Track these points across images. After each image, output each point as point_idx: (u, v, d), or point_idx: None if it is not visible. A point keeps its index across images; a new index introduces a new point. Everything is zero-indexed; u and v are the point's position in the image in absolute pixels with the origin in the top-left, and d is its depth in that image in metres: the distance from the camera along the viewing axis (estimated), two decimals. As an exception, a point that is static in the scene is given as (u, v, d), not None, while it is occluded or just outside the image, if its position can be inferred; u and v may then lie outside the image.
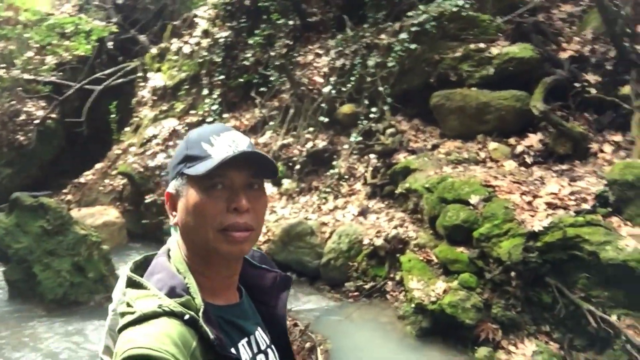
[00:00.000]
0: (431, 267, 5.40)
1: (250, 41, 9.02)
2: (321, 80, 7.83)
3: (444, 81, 6.49)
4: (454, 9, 6.55)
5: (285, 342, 1.37)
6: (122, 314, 1.16)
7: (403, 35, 6.73)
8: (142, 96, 10.50)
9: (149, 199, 8.79)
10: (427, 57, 6.66)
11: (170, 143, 9.34)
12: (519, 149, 5.85)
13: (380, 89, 6.80)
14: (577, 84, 5.76)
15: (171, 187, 1.24)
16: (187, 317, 1.10)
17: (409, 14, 6.98)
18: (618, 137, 5.50)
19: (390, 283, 5.83)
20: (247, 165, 1.17)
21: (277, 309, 1.36)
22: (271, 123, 8.29)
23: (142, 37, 11.76)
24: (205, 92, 9.38)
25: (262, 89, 8.75)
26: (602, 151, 5.46)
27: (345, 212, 6.60)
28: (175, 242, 1.28)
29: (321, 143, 7.46)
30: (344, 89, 7.32)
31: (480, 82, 6.22)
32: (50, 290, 6.31)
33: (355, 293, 5.93)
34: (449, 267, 5.21)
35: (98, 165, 10.39)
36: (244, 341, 1.24)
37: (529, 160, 5.72)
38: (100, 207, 9.25)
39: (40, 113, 10.81)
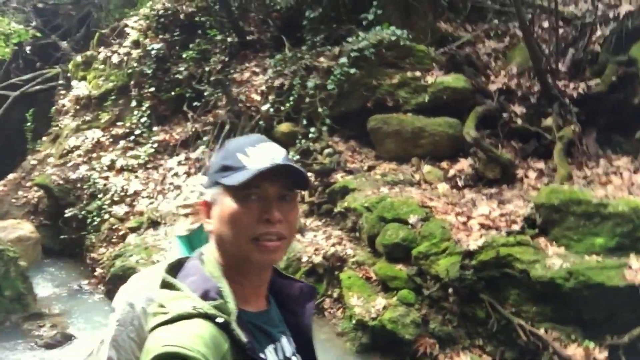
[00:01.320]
0: (370, 284, 5.54)
1: (184, 55, 8.91)
2: (259, 98, 7.87)
3: (381, 106, 6.75)
4: (392, 38, 6.86)
5: (310, 351, 1.40)
6: (154, 314, 1.18)
7: (343, 60, 6.95)
8: (63, 105, 10.02)
9: (69, 212, 8.35)
10: (365, 81, 6.90)
11: (94, 155, 8.96)
12: (451, 172, 6.18)
13: (320, 109, 6.95)
14: (504, 114, 6.20)
15: (207, 195, 1.27)
16: (220, 320, 1.13)
17: (349, 39, 7.21)
18: (541, 165, 5.97)
19: (328, 300, 5.90)
20: (280, 177, 1.20)
21: (303, 318, 1.39)
22: (205, 138, 8.19)
23: (64, 44, 11.24)
24: (133, 103, 9.12)
25: (195, 103, 8.64)
26: (527, 177, 5.89)
27: (282, 230, 6.62)
28: (207, 248, 1.31)
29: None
30: (282, 107, 7.41)
31: (416, 108, 6.53)
32: (-37, 308, 5.82)
33: (293, 310, 5.93)
34: (388, 284, 5.37)
35: (10, 176, 9.72)
36: (270, 347, 1.27)
37: (460, 183, 6.06)
38: (12, 221, 8.62)
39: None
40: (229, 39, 8.74)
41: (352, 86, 6.95)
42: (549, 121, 6.08)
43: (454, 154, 6.32)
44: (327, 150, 6.97)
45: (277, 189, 1.21)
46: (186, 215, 1.95)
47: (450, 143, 6.30)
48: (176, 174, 8.15)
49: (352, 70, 6.85)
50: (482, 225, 5.24)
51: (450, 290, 4.96)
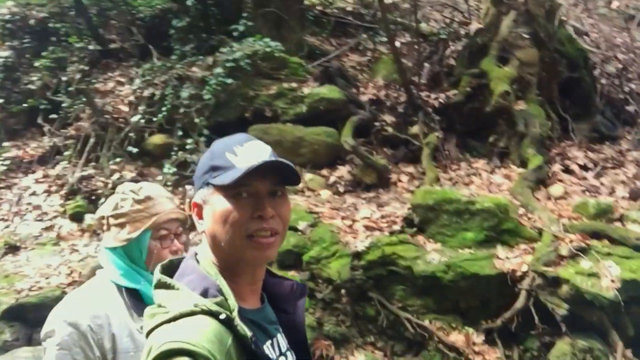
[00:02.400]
0: (262, 293, 5.54)
1: (37, 63, 8.19)
2: (127, 109, 7.49)
3: (259, 116, 6.81)
4: (267, 49, 6.97)
5: (304, 347, 1.44)
6: (152, 315, 1.19)
7: (218, 70, 6.89)
8: None
9: None
10: (242, 92, 6.92)
11: None
12: (332, 179, 6.43)
13: (196, 120, 6.81)
14: (376, 123, 6.61)
15: (197, 197, 1.29)
16: (223, 316, 1.15)
17: (222, 50, 7.18)
18: (411, 169, 6.45)
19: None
20: (270, 173, 1.24)
21: (295, 316, 1.43)
22: (66, 153, 7.59)
23: None
24: (-24, 116, 8.18)
25: (52, 115, 7.97)
26: (400, 180, 6.33)
27: (162, 246, 6.37)
28: (201, 247, 1.32)
29: (129, 174, 7.09)
30: (154, 119, 7.12)
31: (294, 118, 6.69)
32: None
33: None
34: (281, 291, 5.42)
35: None
36: (268, 343, 1.30)
37: (341, 189, 6.32)
38: None
39: None
40: (90, 47, 8.20)
41: (228, 96, 6.92)
42: (415, 129, 6.60)
43: (332, 162, 6.58)
44: (205, 162, 6.85)
45: (268, 186, 1.24)
46: (120, 225, 1.86)
47: (329, 151, 6.55)
48: (34, 193, 7.44)
49: (229, 81, 6.82)
50: (367, 227, 5.53)
51: (342, 291, 5.15)
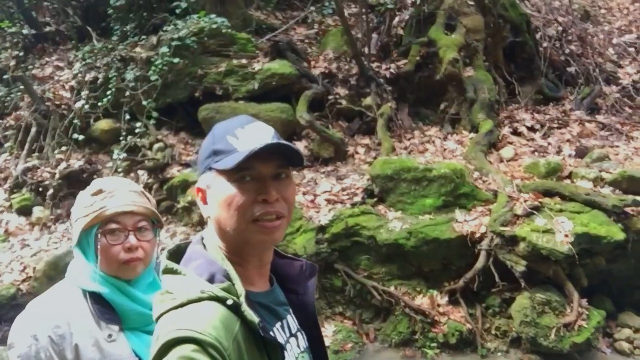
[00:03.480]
0: (228, 273, 5.51)
1: (-35, 51, 7.73)
2: (69, 94, 7.19)
3: (210, 95, 6.67)
4: (213, 26, 6.79)
5: (314, 327, 1.44)
6: (161, 301, 1.18)
7: (164, 49, 6.68)
8: None
9: None
10: (190, 71, 6.74)
11: None
12: (288, 155, 6.39)
13: (144, 102, 6.60)
14: (330, 97, 6.59)
15: (201, 182, 1.28)
16: (229, 301, 1.15)
17: (166, 28, 6.95)
18: (367, 141, 6.49)
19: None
20: (273, 156, 1.22)
21: (305, 296, 1.43)
22: (7, 144, 7.24)
23: None
24: None
25: (-14, 105, 7.58)
26: (357, 152, 6.37)
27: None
28: (207, 232, 1.30)
29: (77, 163, 6.84)
30: (99, 103, 6.87)
31: (247, 95, 6.59)
32: None
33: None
34: (247, 270, 5.40)
35: None
36: (278, 325, 1.31)
37: (298, 164, 6.30)
38: None
39: None
40: (23, 32, 7.78)
41: (176, 76, 6.74)
42: (368, 100, 6.63)
43: (288, 138, 6.52)
44: (156, 145, 6.69)
45: (271, 168, 1.22)
46: (76, 220, 1.77)
47: (284, 127, 6.49)
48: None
49: (175, 60, 6.63)
50: (329, 201, 5.56)
51: (308, 265, 5.18)
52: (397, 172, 5.45)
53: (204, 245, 1.27)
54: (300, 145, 6.42)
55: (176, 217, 6.23)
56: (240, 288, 1.17)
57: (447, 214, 5.25)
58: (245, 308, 1.14)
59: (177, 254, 1.28)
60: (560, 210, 4.90)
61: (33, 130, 7.13)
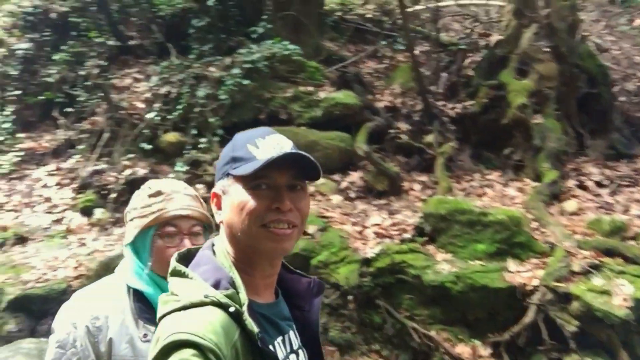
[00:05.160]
0: (269, 295, 5.52)
1: (55, 57, 8.25)
2: (142, 105, 7.52)
3: (274, 118, 6.80)
4: (285, 53, 6.97)
5: (316, 346, 1.41)
6: (165, 302, 1.18)
7: (235, 70, 6.90)
8: None
9: None
10: (258, 93, 6.92)
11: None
12: (343, 184, 6.40)
13: (211, 119, 6.81)
14: (391, 130, 6.58)
15: (217, 187, 1.29)
16: (232, 309, 1.14)
17: (240, 51, 7.19)
18: (424, 178, 6.41)
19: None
20: (290, 166, 1.24)
21: (310, 313, 1.41)
22: (79, 147, 7.62)
23: None
24: (-6, 107, 8.24)
25: (67, 109, 8.02)
26: (412, 189, 6.29)
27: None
28: (218, 239, 1.31)
29: (141, 171, 7.10)
30: (169, 116, 7.14)
31: (309, 122, 6.68)
32: None
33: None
34: (288, 294, 5.38)
35: None
36: (279, 339, 1.28)
37: (352, 195, 6.29)
38: None
39: None
40: (109, 43, 8.26)
41: (244, 97, 6.92)
42: (430, 138, 6.56)
43: (345, 167, 6.56)
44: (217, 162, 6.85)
45: (287, 179, 1.23)
46: (132, 220, 1.80)
47: (341, 156, 6.53)
48: (45, 186, 7.47)
49: (245, 82, 6.83)
50: (377, 234, 5.49)
51: (349, 297, 5.10)
52: (451, 213, 5.32)
53: (214, 252, 1.28)
54: (356, 176, 6.41)
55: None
56: (244, 297, 1.17)
57: (499, 262, 5.05)
58: (246, 317, 1.14)
59: (187, 257, 1.29)
60: (621, 272, 4.62)
61: (105, 135, 7.48)
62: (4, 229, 6.97)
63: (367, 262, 5.16)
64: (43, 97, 8.16)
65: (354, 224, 5.64)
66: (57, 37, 8.44)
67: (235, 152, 1.26)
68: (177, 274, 1.23)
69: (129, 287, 1.77)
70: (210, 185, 6.58)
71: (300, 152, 1.24)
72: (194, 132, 7.03)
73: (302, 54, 7.20)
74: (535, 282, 4.71)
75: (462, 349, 4.87)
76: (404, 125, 6.64)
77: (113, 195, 6.95)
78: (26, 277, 5.92)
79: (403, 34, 6.50)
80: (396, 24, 8.18)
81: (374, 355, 5.10)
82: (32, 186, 7.51)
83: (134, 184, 6.94)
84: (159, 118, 7.26)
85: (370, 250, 5.24)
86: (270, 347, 1.21)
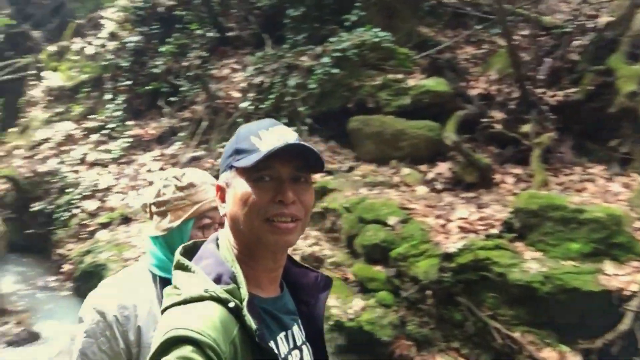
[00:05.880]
0: (348, 285, 5.50)
1: (162, 49, 8.76)
2: (238, 95, 7.78)
3: (362, 107, 6.74)
4: (375, 40, 6.86)
5: (320, 340, 1.39)
6: (167, 295, 1.19)
7: (325, 59, 6.92)
8: (33, 96, 9.74)
9: (37, 206, 8.10)
10: (347, 82, 6.89)
11: (65, 148, 8.73)
12: (430, 175, 6.20)
13: (300, 108, 6.90)
14: (484, 119, 6.25)
15: (221, 180, 1.27)
16: (231, 304, 1.12)
17: (331, 39, 7.19)
18: (518, 170, 6.03)
19: (303, 300, 5.84)
20: (293, 158, 1.20)
21: (316, 308, 1.38)
22: (181, 134, 8.05)
23: (36, 33, 10.95)
24: (108, 96, 8.92)
25: (171, 98, 8.50)
26: (504, 182, 5.95)
27: (259, 229, 6.54)
28: (223, 232, 1.29)
29: (234, 158, 7.37)
30: (262, 105, 7.33)
31: (397, 110, 6.54)
32: None
33: (269, 310, 5.87)
34: (366, 285, 5.34)
35: (-25, 167, 9.39)
36: (282, 335, 1.26)
37: (439, 186, 6.08)
38: (-24, 213, 8.34)
39: None
40: (209, 34, 8.61)
41: (333, 86, 6.92)
42: (526, 127, 6.16)
43: (432, 157, 6.35)
44: (306, 150, 6.92)
45: (291, 170, 1.20)
46: (162, 213, 1.79)
47: (429, 146, 6.33)
48: (150, 170, 7.99)
49: (335, 70, 6.82)
50: (461, 228, 5.27)
51: (428, 292, 4.95)
52: (543, 209, 4.98)
53: (218, 245, 1.27)
54: (444, 167, 6.18)
55: (312, 220, 6.36)
56: (244, 292, 1.16)
57: (595, 263, 4.65)
58: (245, 313, 1.13)
59: (192, 250, 1.29)
60: None
61: (204, 124, 7.84)
62: (112, 209, 7.57)
63: (448, 257, 4.97)
64: (150, 87, 8.72)
65: (438, 216, 5.45)
66: (163, 30, 8.95)
67: (238, 144, 1.24)
68: (180, 267, 1.24)
69: (155, 275, 1.78)
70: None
71: (303, 143, 1.21)
72: (285, 120, 7.14)
73: (393, 40, 7.04)
74: (635, 287, 4.29)
75: (548, 354, 4.55)
76: (498, 114, 6.28)
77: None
78: (127, 254, 6.39)
79: (499, 16, 6.11)
80: (496, 7, 7.72)
81: (453, 353, 4.92)
82: (138, 170, 8.07)
83: (227, 171, 7.24)
84: (252, 107, 7.47)
85: (452, 244, 5.04)
86: (272, 343, 1.20)
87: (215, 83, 8.18)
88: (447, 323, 4.97)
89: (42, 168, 8.47)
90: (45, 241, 8.10)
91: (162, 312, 1.17)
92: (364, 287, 5.36)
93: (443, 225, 5.32)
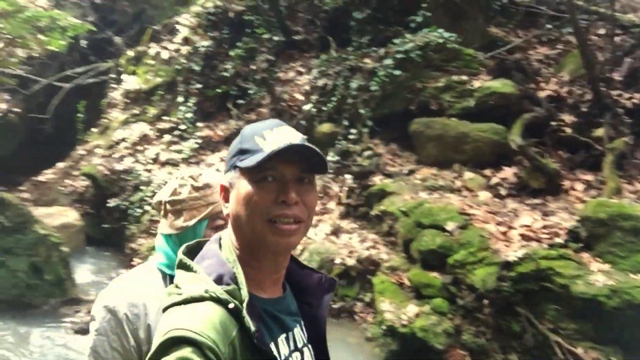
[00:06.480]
0: (403, 290, 5.41)
1: (232, 53, 8.99)
2: (302, 97, 7.85)
3: (424, 109, 6.61)
4: (440, 41, 6.71)
5: (322, 343, 1.37)
6: (169, 294, 1.19)
7: (388, 61, 6.85)
8: (113, 98, 10.28)
9: (112, 203, 8.54)
10: (409, 84, 6.78)
11: (140, 147, 9.14)
12: (494, 180, 5.99)
13: (361, 111, 6.87)
14: (553, 123, 5.96)
15: (225, 180, 1.27)
16: (231, 305, 1.12)
17: (395, 41, 7.11)
18: (589, 177, 5.71)
19: (359, 304, 5.81)
20: (297, 159, 1.19)
21: (319, 310, 1.37)
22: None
23: (118, 39, 11.57)
24: (180, 99, 9.26)
25: (239, 101, 8.70)
26: (573, 189, 5.65)
27: (318, 231, 6.57)
28: (226, 232, 1.29)
29: (297, 160, 7.44)
30: (324, 108, 7.36)
31: (460, 113, 6.37)
32: (3, 290, 6.00)
33: (324, 312, 5.87)
34: (422, 291, 5.23)
35: (60, 165, 10.03)
36: (282, 336, 1.24)
37: (503, 192, 5.85)
38: (59, 208, 8.89)
39: (3, 106, 10.43)
40: (276, 38, 8.76)
41: (395, 88, 6.84)
42: (599, 132, 5.82)
43: (497, 162, 6.13)
44: (366, 152, 6.88)
45: (294, 171, 1.19)
46: (177, 211, 1.79)
47: (494, 150, 6.11)
48: (217, 170, 8.21)
49: (397, 72, 6.74)
50: (523, 236, 5.05)
51: (485, 301, 4.79)
52: (613, 218, 4.69)
53: (220, 245, 1.27)
54: (509, 172, 5.95)
55: (369, 224, 6.33)
56: (245, 293, 1.16)
57: (669, 278, 4.31)
58: (245, 314, 1.13)
59: (195, 250, 1.30)
60: None
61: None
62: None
63: (507, 265, 4.78)
64: (220, 90, 8.96)
65: (499, 223, 5.25)
66: (233, 34, 9.19)
67: (242, 144, 1.25)
68: (182, 266, 1.24)
69: (165, 274, 1.78)
70: (357, 176, 6.64)
71: (307, 144, 1.20)
72: (346, 123, 7.14)
73: (460, 41, 6.86)
74: None
75: (614, 373, 4.27)
76: (568, 117, 5.97)
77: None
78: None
79: (569, 14, 5.80)
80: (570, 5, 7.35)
81: (511, 366, 4.72)
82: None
83: (289, 172, 7.32)
84: (315, 110, 7.51)
85: (513, 253, 4.84)
86: (272, 344, 1.19)
87: (280, 86, 8.29)
88: (505, 334, 4.78)
89: (118, 166, 8.90)
90: (119, 236, 8.52)
91: (164, 310, 1.18)
92: (419, 293, 5.26)
93: (504, 233, 5.12)
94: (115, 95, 10.25)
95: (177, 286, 1.20)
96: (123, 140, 9.36)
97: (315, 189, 1.25)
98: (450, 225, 5.25)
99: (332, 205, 6.80)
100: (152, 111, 9.58)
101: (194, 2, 10.15)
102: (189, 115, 9.09)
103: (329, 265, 6.04)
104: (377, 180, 6.47)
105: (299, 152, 1.18)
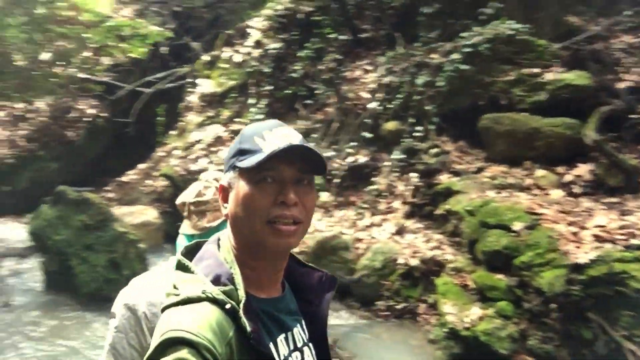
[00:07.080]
0: (467, 292, 5.24)
1: (300, 54, 9.08)
2: (367, 95, 7.79)
3: (493, 104, 6.37)
4: (510, 32, 6.43)
5: (323, 342, 1.36)
6: (167, 295, 1.20)
7: (455, 56, 6.65)
8: (189, 101, 10.69)
9: (186, 202, 8.87)
10: (478, 79, 6.55)
11: (214, 149, 9.44)
12: (568, 178, 5.66)
13: (427, 107, 6.71)
14: (633, 116, 5.55)
15: (224, 180, 1.27)
16: (228, 306, 1.12)
17: (463, 35, 6.89)
18: (674, 174, 5.26)
19: (422, 305, 5.69)
20: (296, 160, 1.18)
21: (320, 308, 1.36)
22: (314, 135, 8.27)
23: (195, 45, 12.02)
24: (252, 101, 9.47)
25: (307, 101, 8.78)
26: (656, 186, 5.22)
27: (382, 230, 6.50)
28: (225, 233, 1.30)
29: (362, 158, 7.40)
30: (389, 105, 7.27)
31: (531, 107, 6.07)
32: (85, 283, 6.40)
33: (386, 312, 5.80)
34: (486, 294, 5.04)
35: (141, 166, 10.58)
36: (282, 337, 1.23)
37: (577, 190, 5.52)
38: (140, 207, 9.39)
39: (91, 111, 11.13)
40: (343, 37, 8.75)
41: (463, 83, 6.63)
42: (687, 125, 5.34)
43: (571, 158, 5.79)
44: (433, 150, 6.72)
45: (293, 172, 1.19)
46: (201, 212, 1.81)
47: (567, 146, 5.78)
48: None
49: (464, 67, 6.53)
50: (596, 237, 4.73)
51: (553, 305, 4.53)
52: (699, 218, 4.29)
53: (219, 246, 1.28)
54: (584, 169, 5.60)
55: (435, 223, 6.18)
56: (242, 294, 1.16)
57: None
58: (241, 315, 1.13)
59: (194, 251, 1.31)
60: None
61: (334, 125, 7.98)
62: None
63: (578, 268, 4.51)
64: (289, 91, 9.07)
65: (570, 223, 4.95)
66: (302, 35, 9.27)
67: (242, 144, 1.24)
68: (181, 267, 1.26)
69: None
70: (423, 174, 6.51)
71: (305, 145, 1.19)
72: (412, 120, 7.01)
73: (532, 32, 6.53)
74: None
75: (698, 387, 3.92)
76: (650, 110, 5.53)
77: (337, 181, 7.39)
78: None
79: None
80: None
81: (581, 375, 4.44)
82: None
83: (354, 171, 7.30)
84: (381, 107, 7.44)
85: (584, 254, 4.55)
86: (271, 344, 1.19)
87: (346, 85, 8.27)
88: (575, 340, 4.51)
89: (194, 167, 9.25)
90: (194, 233, 8.85)
91: (162, 311, 1.19)
92: (483, 296, 5.07)
93: (575, 233, 4.82)
94: (192, 98, 10.65)
95: (175, 287, 1.21)
96: (198, 141, 9.71)
97: (314, 190, 1.24)
98: (517, 225, 5.02)
99: (397, 204, 6.70)
100: (226, 113, 9.87)
101: (266, 5, 10.35)
102: (260, 116, 9.26)
103: (391, 266, 5.96)
104: (444, 178, 6.31)
105: (298, 153, 1.18)
